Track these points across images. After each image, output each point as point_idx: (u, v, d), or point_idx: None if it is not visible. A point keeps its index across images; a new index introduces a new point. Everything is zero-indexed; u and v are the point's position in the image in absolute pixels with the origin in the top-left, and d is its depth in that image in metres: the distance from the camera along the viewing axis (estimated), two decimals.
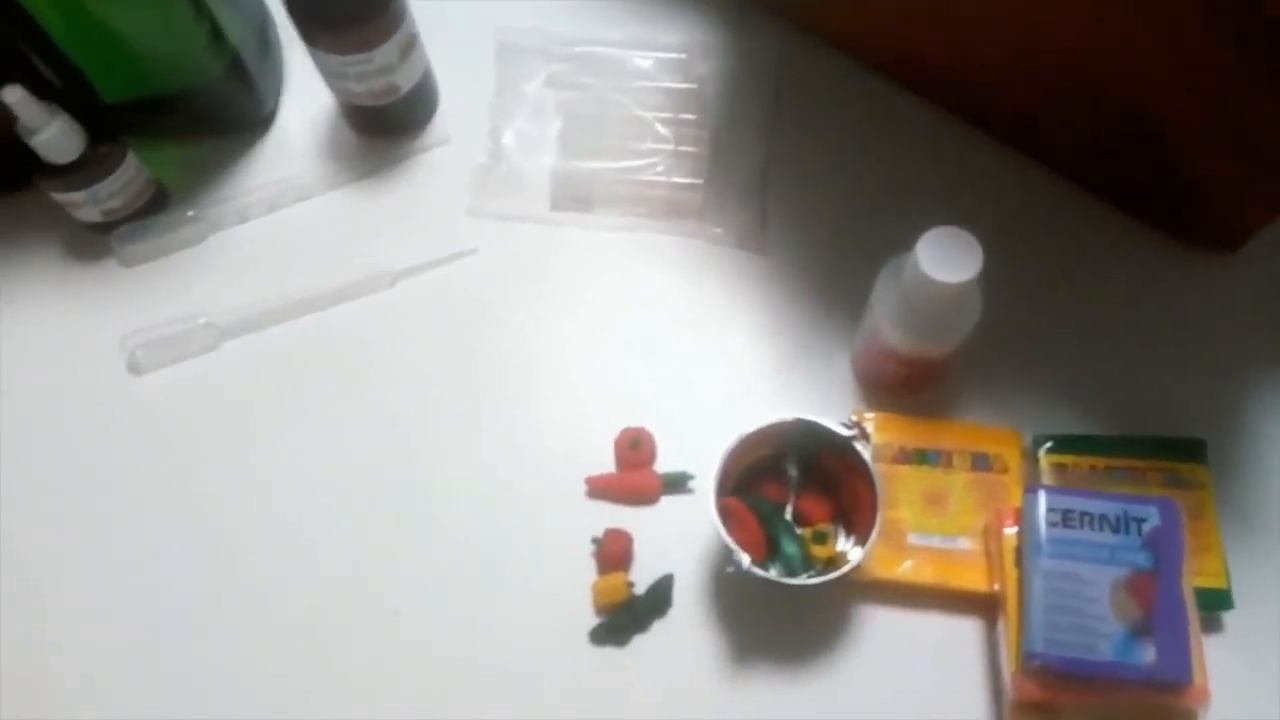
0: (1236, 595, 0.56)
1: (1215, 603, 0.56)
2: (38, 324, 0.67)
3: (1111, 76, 0.57)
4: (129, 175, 0.65)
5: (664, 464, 0.61)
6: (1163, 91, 0.56)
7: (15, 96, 0.57)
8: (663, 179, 0.68)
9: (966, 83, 0.66)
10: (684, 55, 0.71)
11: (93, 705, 0.58)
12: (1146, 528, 0.53)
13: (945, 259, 0.52)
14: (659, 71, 0.71)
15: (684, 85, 0.70)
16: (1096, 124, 0.61)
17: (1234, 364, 0.63)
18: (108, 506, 0.62)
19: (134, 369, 0.65)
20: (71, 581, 0.60)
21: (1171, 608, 0.52)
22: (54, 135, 0.60)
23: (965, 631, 0.57)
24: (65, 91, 0.62)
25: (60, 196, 0.64)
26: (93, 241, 0.68)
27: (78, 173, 0.63)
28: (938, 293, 0.52)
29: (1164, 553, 0.53)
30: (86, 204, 0.65)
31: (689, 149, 0.68)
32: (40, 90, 0.59)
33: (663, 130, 0.69)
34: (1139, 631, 0.51)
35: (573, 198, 0.68)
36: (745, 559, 0.52)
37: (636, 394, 0.63)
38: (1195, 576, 0.54)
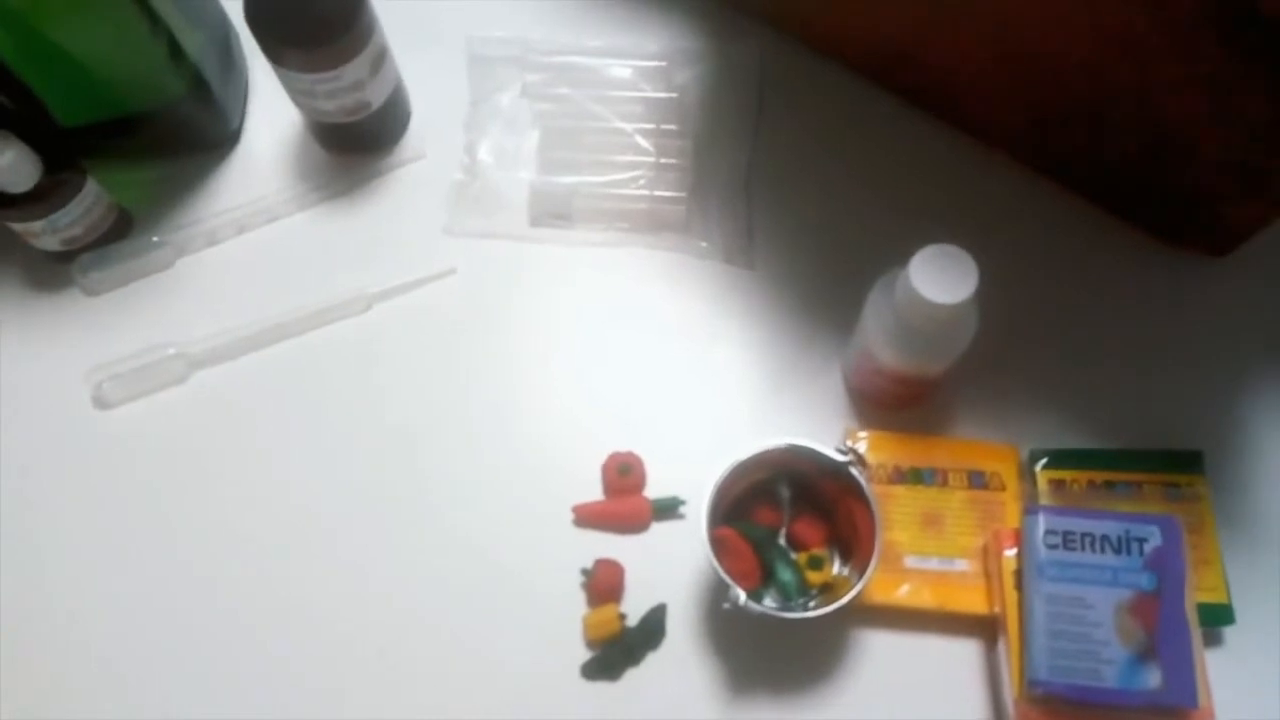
0: (1237, 608, 0.55)
1: (1217, 618, 0.55)
2: None
3: (1105, 82, 0.56)
4: (89, 202, 0.62)
5: (654, 489, 0.60)
6: (1155, 97, 0.55)
7: None
8: (645, 192, 0.66)
9: (956, 89, 0.64)
10: (664, 63, 0.69)
11: None
12: (1148, 548, 0.53)
13: (940, 278, 0.50)
14: (639, 80, 0.68)
15: (664, 94, 0.68)
16: (1089, 129, 0.60)
17: (1229, 372, 0.62)
18: (77, 547, 0.60)
19: (101, 403, 0.62)
20: (40, 621, 0.58)
21: (1175, 630, 0.51)
22: (8, 164, 0.57)
23: (965, 655, 0.56)
24: (19, 116, 0.59)
25: (17, 226, 0.61)
26: (54, 271, 0.65)
27: (35, 202, 0.60)
28: (932, 313, 0.51)
29: (1167, 573, 0.52)
30: (45, 233, 0.62)
31: (671, 161, 0.66)
32: None
33: (644, 142, 0.67)
34: (1143, 655, 0.51)
35: (552, 213, 0.66)
36: (741, 595, 0.51)
37: (624, 416, 0.62)
38: (1196, 591, 0.53)
